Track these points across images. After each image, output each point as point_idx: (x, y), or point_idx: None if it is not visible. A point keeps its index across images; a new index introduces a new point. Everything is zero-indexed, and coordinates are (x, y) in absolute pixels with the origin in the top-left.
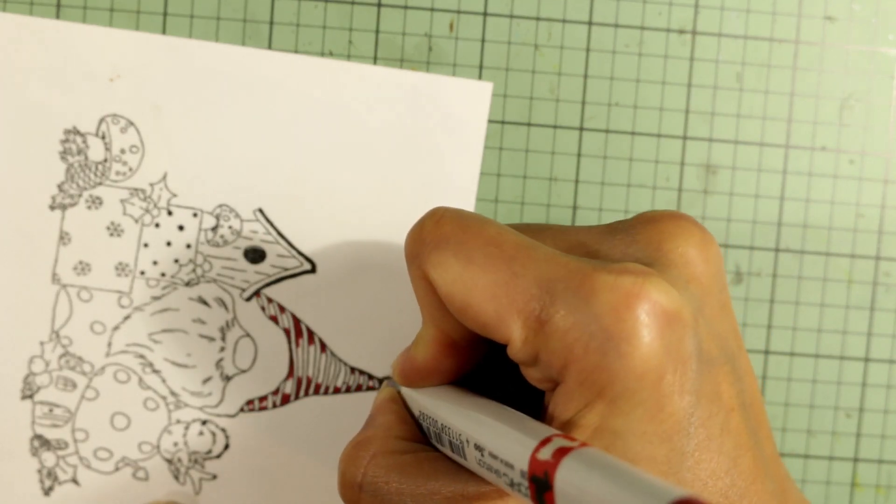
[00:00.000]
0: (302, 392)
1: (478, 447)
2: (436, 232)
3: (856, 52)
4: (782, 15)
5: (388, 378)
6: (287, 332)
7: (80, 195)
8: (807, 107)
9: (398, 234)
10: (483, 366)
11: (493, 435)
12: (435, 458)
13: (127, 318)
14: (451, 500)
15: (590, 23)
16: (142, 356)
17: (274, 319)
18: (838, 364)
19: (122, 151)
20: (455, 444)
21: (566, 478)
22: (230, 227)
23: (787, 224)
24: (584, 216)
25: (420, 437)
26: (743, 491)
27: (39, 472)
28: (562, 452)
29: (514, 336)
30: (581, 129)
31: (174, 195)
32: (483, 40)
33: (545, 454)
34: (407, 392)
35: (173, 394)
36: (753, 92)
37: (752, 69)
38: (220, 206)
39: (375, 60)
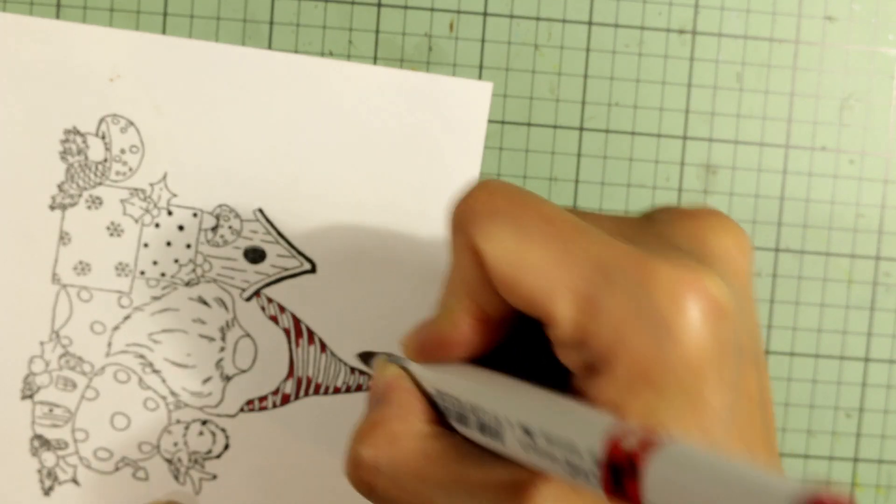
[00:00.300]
0: (302, 392)
1: (527, 430)
2: (489, 203)
3: (856, 52)
4: (782, 15)
5: (388, 356)
6: (287, 332)
7: (80, 195)
8: (807, 107)
9: (398, 234)
10: (501, 348)
11: (550, 417)
12: (460, 443)
13: (127, 318)
14: (481, 487)
15: (590, 23)
16: (142, 356)
17: (274, 319)
18: (838, 364)
19: (122, 151)
20: (489, 427)
21: (662, 468)
22: (230, 227)
23: (787, 224)
24: None
25: (438, 420)
26: None
27: (39, 472)
28: (651, 442)
29: (563, 314)
30: (581, 129)
31: (174, 195)
32: (483, 40)
33: (631, 442)
34: (420, 371)
35: (173, 394)
36: (753, 92)
37: (752, 69)
38: (220, 206)
39: (375, 60)
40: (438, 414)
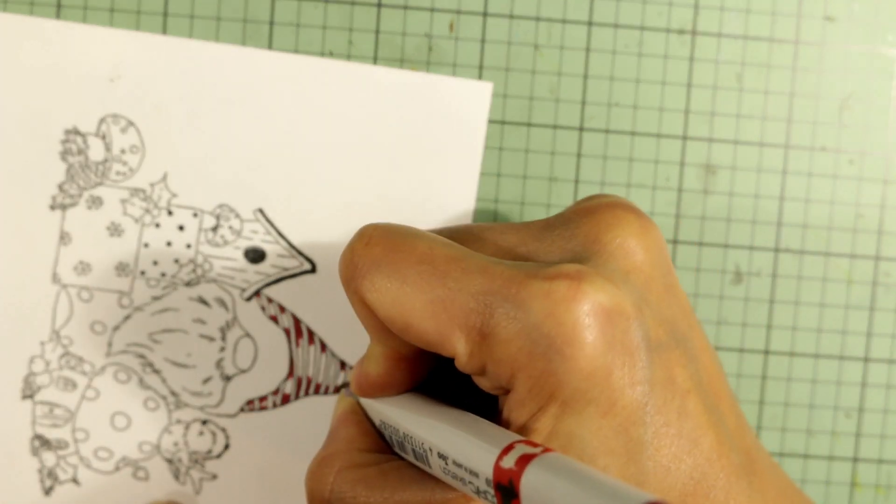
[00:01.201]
0: (302, 392)
1: (441, 455)
2: (366, 255)
3: (856, 52)
4: (782, 15)
5: (345, 386)
6: (287, 332)
7: (80, 195)
8: (806, 107)
9: None
10: (438, 371)
11: (455, 443)
12: (400, 468)
13: (127, 317)
14: None
15: (590, 23)
16: (142, 356)
17: (274, 319)
18: (838, 364)
19: (123, 151)
20: (418, 453)
21: (531, 485)
22: (230, 227)
23: (786, 224)
24: None
25: (383, 448)
26: (706, 469)
27: (40, 471)
28: (525, 460)
29: (459, 351)
30: (581, 129)
31: (174, 195)
32: (483, 40)
33: (508, 462)
34: (366, 402)
35: (173, 394)
36: (753, 92)
37: (751, 69)
38: (221, 206)
39: (375, 60)
40: (386, 443)
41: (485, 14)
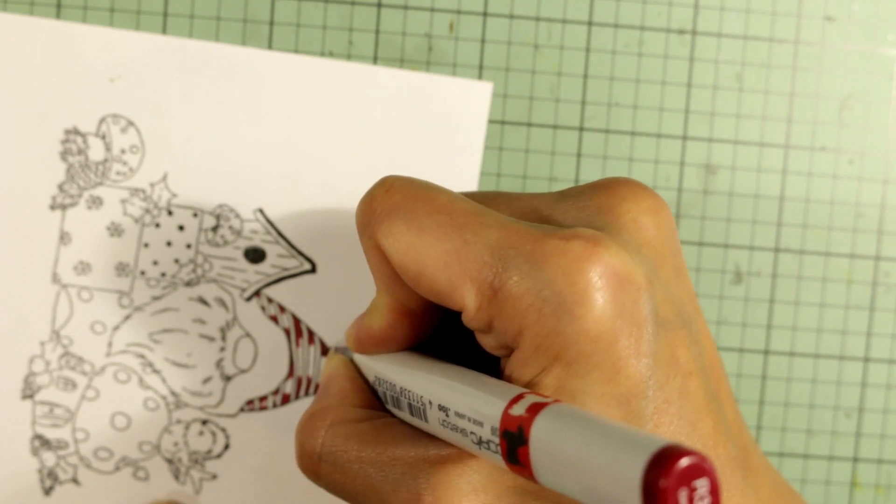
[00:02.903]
0: (302, 392)
1: (441, 408)
2: (386, 201)
3: (855, 52)
4: (782, 15)
5: (336, 348)
6: (287, 332)
7: (80, 195)
8: (806, 107)
9: None
10: (439, 333)
11: (459, 394)
12: (393, 424)
13: (127, 317)
14: (412, 464)
15: (590, 23)
16: (142, 356)
17: (274, 319)
18: (838, 364)
19: (123, 151)
20: (415, 407)
21: (543, 431)
22: (230, 227)
23: (786, 224)
24: None
25: (376, 405)
26: None
27: (40, 471)
28: (537, 407)
29: (468, 304)
30: (581, 129)
31: (174, 195)
32: (483, 40)
33: (519, 409)
34: (361, 359)
35: (173, 394)
36: (753, 92)
37: (751, 69)
38: (221, 206)
39: (375, 60)
40: (379, 400)
41: (485, 14)
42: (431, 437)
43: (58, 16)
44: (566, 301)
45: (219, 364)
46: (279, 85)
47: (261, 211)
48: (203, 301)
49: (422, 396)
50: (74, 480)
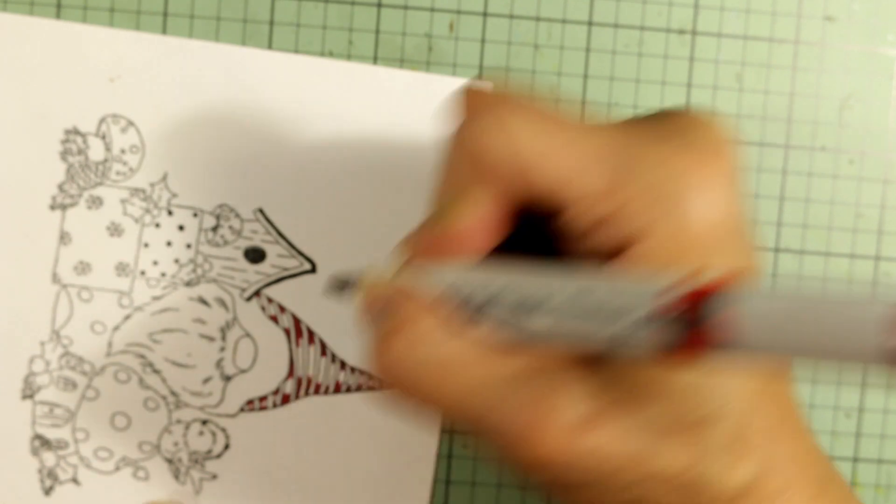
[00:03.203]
0: (302, 392)
1: (555, 308)
2: (489, 94)
3: (855, 52)
4: (782, 15)
5: (367, 269)
6: (287, 331)
7: (80, 195)
8: (806, 107)
9: (398, 234)
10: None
11: (599, 282)
12: (477, 339)
13: (127, 317)
14: (508, 379)
15: (590, 23)
16: (142, 356)
17: (274, 319)
18: (838, 364)
19: (123, 151)
20: (524, 305)
21: (754, 304)
22: (230, 227)
23: (786, 224)
24: None
25: (447, 319)
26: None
27: (40, 471)
28: (722, 282)
29: (593, 189)
30: None
31: (174, 195)
32: (483, 40)
33: (701, 282)
34: (430, 272)
35: (173, 393)
36: (753, 92)
37: (751, 69)
38: (221, 205)
39: (375, 60)
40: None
41: (485, 14)
42: (518, 350)
43: (58, 16)
44: (682, 196)
45: (219, 364)
46: (279, 85)
47: (261, 211)
48: (203, 301)
49: (532, 297)
50: (74, 480)
